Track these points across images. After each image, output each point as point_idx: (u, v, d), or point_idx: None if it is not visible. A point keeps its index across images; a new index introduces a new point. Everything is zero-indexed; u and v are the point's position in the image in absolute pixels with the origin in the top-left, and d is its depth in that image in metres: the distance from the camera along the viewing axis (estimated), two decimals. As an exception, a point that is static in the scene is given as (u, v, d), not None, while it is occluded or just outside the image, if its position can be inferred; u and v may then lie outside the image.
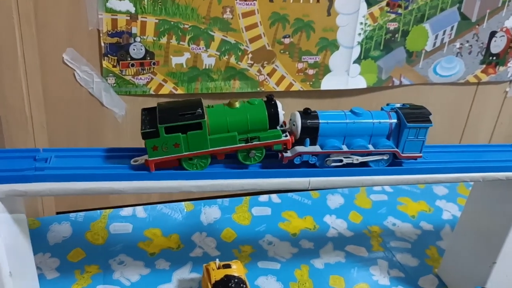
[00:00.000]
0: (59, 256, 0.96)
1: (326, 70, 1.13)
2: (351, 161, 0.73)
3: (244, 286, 0.84)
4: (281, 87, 1.12)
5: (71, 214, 1.08)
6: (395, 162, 0.75)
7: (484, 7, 1.18)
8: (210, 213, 1.14)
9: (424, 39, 1.18)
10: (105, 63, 0.98)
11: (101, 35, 0.95)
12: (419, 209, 1.22)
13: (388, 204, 1.23)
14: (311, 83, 1.13)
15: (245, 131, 0.68)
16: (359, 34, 1.11)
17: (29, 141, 0.96)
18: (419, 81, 1.23)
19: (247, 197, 1.20)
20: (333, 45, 1.11)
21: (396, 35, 1.15)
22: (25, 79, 0.92)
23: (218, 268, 0.87)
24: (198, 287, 0.92)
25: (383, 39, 1.14)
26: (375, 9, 1.10)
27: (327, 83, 1.15)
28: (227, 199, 1.19)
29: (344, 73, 1.15)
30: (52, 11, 0.91)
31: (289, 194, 1.23)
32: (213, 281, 0.84)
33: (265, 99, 0.70)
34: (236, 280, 0.84)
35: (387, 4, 1.10)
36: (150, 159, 0.67)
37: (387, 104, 0.77)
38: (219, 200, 1.18)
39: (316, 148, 0.71)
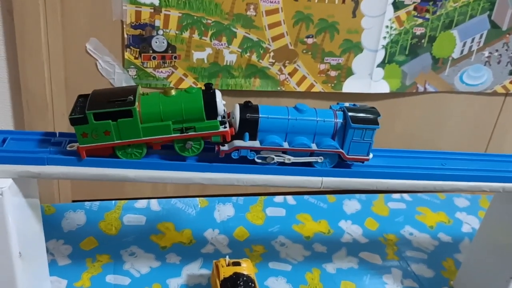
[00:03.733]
0: (72, 243, 0.97)
1: (349, 72, 1.12)
2: (282, 160, 0.70)
3: (253, 285, 0.83)
4: (302, 88, 1.11)
5: (86, 203, 1.08)
6: (342, 164, 0.73)
7: (516, 16, 1.15)
8: (224, 210, 1.13)
9: (452, 45, 1.15)
10: (127, 55, 0.99)
11: (124, 26, 0.96)
12: (438, 220, 1.19)
13: (406, 212, 1.20)
14: (332, 85, 1.12)
15: (180, 121, 0.66)
16: (384, 37, 1.09)
17: (49, 128, 0.98)
18: (445, 89, 1.20)
19: (262, 197, 1.19)
20: (357, 48, 1.09)
21: (423, 40, 1.12)
22: (48, 66, 0.93)
23: (228, 265, 0.86)
24: (207, 283, 0.91)
25: (408, 44, 1.12)
26: (402, 13, 1.08)
27: (349, 86, 1.13)
28: (242, 198, 1.18)
29: (367, 76, 1.13)
30: (78, 0, 0.92)
31: (305, 196, 1.21)
32: (221, 277, 0.83)
33: (203, 88, 0.68)
34: (245, 278, 0.83)
35: (415, 9, 1.08)
36: (80, 146, 0.66)
37: (337, 103, 0.74)
38: (234, 198, 1.17)
39: (255, 144, 0.69)
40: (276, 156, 0.70)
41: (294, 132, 0.70)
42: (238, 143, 0.69)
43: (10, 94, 0.97)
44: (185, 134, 0.66)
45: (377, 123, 0.70)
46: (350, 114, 0.70)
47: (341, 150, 0.71)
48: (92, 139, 0.65)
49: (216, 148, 0.69)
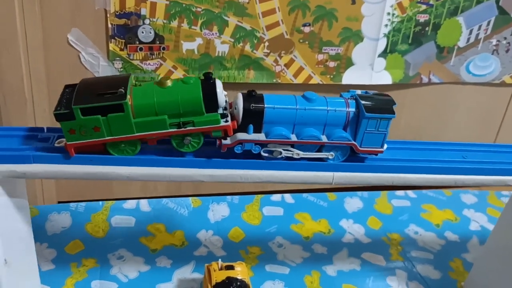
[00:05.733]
0: (56, 247, 0.93)
1: (349, 63, 1.06)
2: (290, 155, 0.65)
3: (247, 290, 0.78)
4: (299, 80, 1.05)
5: (72, 204, 1.04)
6: (354, 158, 0.68)
7: (525, 1, 1.09)
8: (218, 210, 1.08)
9: (457, 33, 1.09)
10: (112, 46, 0.93)
11: (108, 15, 0.91)
12: (445, 218, 1.14)
13: (411, 210, 1.15)
14: (331, 76, 1.07)
15: (177, 115, 0.61)
16: (386, 25, 1.04)
17: (29, 124, 0.92)
18: (450, 79, 1.15)
19: (259, 195, 1.14)
20: (357, 36, 1.03)
21: (427, 28, 1.07)
22: (26, 59, 0.88)
23: (221, 269, 0.82)
24: (199, 288, 0.87)
25: (412, 32, 1.06)
26: (405, -2, 1.02)
27: (349, 77, 1.07)
28: (237, 197, 1.13)
29: (368, 67, 1.08)
30: (57, -13, 0.87)
31: (304, 194, 1.16)
32: (213, 282, 0.79)
33: (202, 77, 0.62)
34: (238, 283, 0.79)
35: (418, -6, 1.03)
36: (68, 143, 0.61)
37: (348, 91, 0.68)
38: (229, 197, 1.13)
39: (260, 136, 0.64)
40: (284, 150, 0.65)
41: (303, 123, 0.65)
42: (241, 136, 0.63)
43: (-14, 89, 0.92)
44: (182, 129, 0.61)
45: (393, 112, 0.65)
46: (363, 102, 0.65)
47: (353, 142, 0.66)
48: (80, 135, 0.60)
49: (218, 142, 0.64)
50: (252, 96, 0.64)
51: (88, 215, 1.01)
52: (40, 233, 0.95)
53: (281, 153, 0.65)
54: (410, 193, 1.22)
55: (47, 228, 0.97)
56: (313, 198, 1.16)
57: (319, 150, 0.67)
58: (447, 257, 1.01)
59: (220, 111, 0.62)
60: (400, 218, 1.12)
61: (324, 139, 0.65)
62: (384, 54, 1.07)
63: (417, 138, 1.19)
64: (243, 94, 0.64)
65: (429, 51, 1.10)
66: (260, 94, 0.64)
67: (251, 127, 0.64)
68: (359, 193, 1.19)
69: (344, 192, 1.19)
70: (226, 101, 0.63)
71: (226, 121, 0.62)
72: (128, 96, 0.59)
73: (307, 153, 0.66)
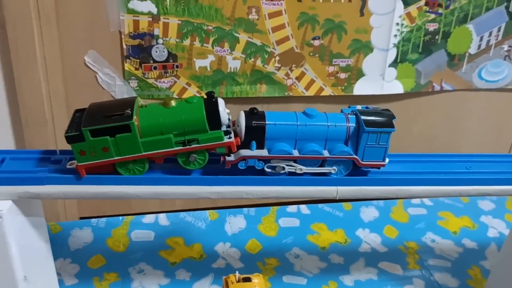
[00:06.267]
0: (79, 262, 0.95)
1: (359, 74, 1.07)
2: (293, 170, 0.66)
3: (265, 301, 0.79)
4: (311, 92, 1.07)
5: (93, 220, 1.06)
6: (357, 172, 0.68)
7: (536, 6, 1.09)
8: (235, 222, 1.10)
9: (468, 41, 1.09)
10: (127, 66, 0.96)
11: (122, 36, 0.94)
12: (462, 225, 1.13)
13: (427, 218, 1.15)
14: (343, 87, 1.08)
15: (182, 133, 0.63)
16: (395, 35, 1.04)
17: (50, 145, 0.96)
18: (462, 86, 1.15)
19: (275, 207, 1.15)
20: (367, 48, 1.04)
21: (436, 37, 1.07)
22: (46, 82, 0.91)
23: (238, 281, 0.81)
24: (217, 300, 0.88)
25: (421, 41, 1.07)
26: (413, 8, 1.03)
27: (360, 88, 1.08)
28: (253, 209, 1.14)
29: (379, 77, 1.08)
30: (74, 11, 0.90)
31: (320, 205, 1.17)
32: (231, 294, 0.79)
33: (205, 96, 0.64)
34: (255, 295, 0.79)
35: (426, 4, 1.03)
36: (79, 164, 0.63)
37: (348, 106, 0.70)
38: (245, 209, 1.14)
39: (263, 152, 0.65)
40: (286, 165, 0.66)
41: (304, 138, 0.66)
42: (244, 152, 0.65)
43: (9, 112, 0.96)
44: (187, 147, 0.63)
45: (393, 126, 0.66)
46: (363, 117, 0.66)
47: (355, 156, 0.67)
48: (90, 156, 0.62)
49: (222, 159, 0.66)
50: (253, 114, 0.65)
51: (109, 230, 1.04)
52: (63, 249, 0.98)
53: (284, 168, 0.66)
54: (426, 201, 1.21)
55: (70, 244, 0.99)
56: (328, 208, 1.16)
57: (321, 165, 0.68)
58: (465, 265, 1.00)
59: (224, 128, 0.64)
60: (416, 227, 1.12)
61: (325, 153, 0.66)
62: (394, 64, 1.08)
63: (431, 147, 1.19)
64: (245, 112, 0.66)
65: (440, 59, 1.10)
66: (262, 111, 0.66)
67: (254, 143, 0.65)
68: (374, 202, 1.19)
69: (359, 201, 1.19)
70: (229, 118, 0.65)
71: (230, 137, 0.64)
72: (135, 117, 0.61)
73: (310, 168, 0.67)
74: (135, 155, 0.63)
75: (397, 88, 1.10)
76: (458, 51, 1.10)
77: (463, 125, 1.20)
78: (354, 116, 0.67)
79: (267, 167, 0.66)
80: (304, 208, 1.16)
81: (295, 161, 0.67)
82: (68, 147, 0.63)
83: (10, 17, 0.85)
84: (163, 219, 1.09)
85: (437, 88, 1.13)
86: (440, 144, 1.20)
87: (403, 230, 1.10)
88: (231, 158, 0.65)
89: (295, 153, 0.66)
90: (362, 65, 1.06)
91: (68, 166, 0.67)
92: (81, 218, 1.10)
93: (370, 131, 0.65)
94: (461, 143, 1.21)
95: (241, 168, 0.66)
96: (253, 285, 0.81)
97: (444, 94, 1.15)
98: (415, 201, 1.21)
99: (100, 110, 0.63)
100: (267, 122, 0.65)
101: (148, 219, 1.09)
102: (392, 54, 1.06)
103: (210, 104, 0.63)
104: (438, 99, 1.15)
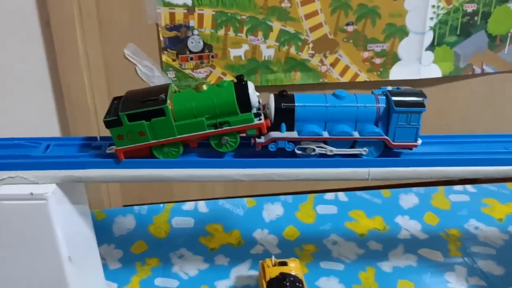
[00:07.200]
0: (122, 247, 0.99)
1: (395, 58, 1.06)
2: (324, 152, 0.66)
3: (301, 285, 0.79)
4: (346, 78, 1.06)
5: (135, 207, 1.10)
6: (389, 153, 0.68)
7: None
8: (273, 210, 1.10)
9: (510, 20, 1.06)
10: (164, 57, 0.99)
11: (159, 29, 0.97)
12: (508, 212, 1.09)
13: (470, 205, 1.11)
14: (378, 73, 1.07)
15: (214, 116, 0.64)
16: (431, 18, 1.02)
17: (93, 132, 0.99)
18: (505, 68, 1.11)
19: (312, 194, 1.15)
20: (402, 31, 1.03)
21: (476, 18, 1.04)
22: (88, 74, 0.96)
23: (274, 265, 0.84)
24: (255, 285, 0.89)
25: (459, 23, 1.04)
26: (449, -11, 1.01)
27: (396, 73, 1.07)
28: (290, 196, 1.14)
29: (415, 61, 1.07)
30: (113, 6, 0.94)
31: (358, 192, 1.16)
32: (267, 278, 0.81)
33: (235, 80, 0.65)
34: (291, 278, 0.80)
35: (464, -16, 1.01)
36: (117, 148, 0.66)
37: (379, 88, 0.69)
38: (282, 197, 1.14)
39: (293, 134, 0.66)
40: (317, 147, 0.67)
41: (334, 120, 0.66)
42: (274, 134, 0.66)
43: (55, 102, 1.00)
44: (219, 129, 0.65)
45: (423, 106, 0.65)
46: (393, 98, 0.66)
47: (385, 137, 0.66)
48: (128, 140, 0.65)
49: (252, 141, 0.67)
50: (283, 96, 0.66)
51: (151, 217, 1.07)
52: (107, 235, 1.02)
53: (314, 150, 0.67)
54: (469, 187, 1.17)
55: (114, 230, 1.03)
56: (367, 195, 1.15)
57: (352, 147, 0.68)
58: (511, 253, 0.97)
59: (254, 111, 0.65)
60: (458, 214, 1.08)
61: (356, 135, 0.66)
62: (431, 47, 1.06)
63: (470, 131, 1.15)
64: (274, 94, 0.67)
65: (480, 41, 1.07)
66: (291, 94, 0.67)
67: (283, 125, 0.66)
68: (414, 189, 1.16)
69: (398, 188, 1.17)
70: (259, 101, 0.67)
71: (260, 119, 0.65)
72: (169, 101, 0.64)
73: (341, 149, 0.67)
74: (170, 138, 0.65)
75: (435, 72, 1.08)
76: (499, 31, 1.07)
77: (505, 108, 1.16)
78: (384, 97, 0.67)
79: (298, 149, 0.67)
80: (342, 195, 1.15)
81: (325, 143, 0.67)
82: (108, 134, 0.66)
83: (55, 13, 0.90)
84: (202, 206, 1.11)
85: (478, 71, 1.10)
86: (479, 128, 1.17)
87: (445, 217, 1.07)
88: (261, 140, 0.67)
89: (325, 134, 0.66)
90: (398, 50, 1.05)
91: (107, 151, 0.70)
92: (124, 205, 1.14)
93: (400, 111, 0.65)
94: (501, 127, 1.17)
95: (271, 150, 0.67)
96: (289, 269, 0.83)
97: (485, 77, 1.12)
98: (457, 187, 1.17)
99: (136, 96, 0.67)
100: (296, 104, 0.66)
101: (188, 206, 1.11)
102: (428, 37, 1.04)
103: (240, 87, 0.65)
104: (479, 82, 1.12)
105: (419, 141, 0.68)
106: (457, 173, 0.69)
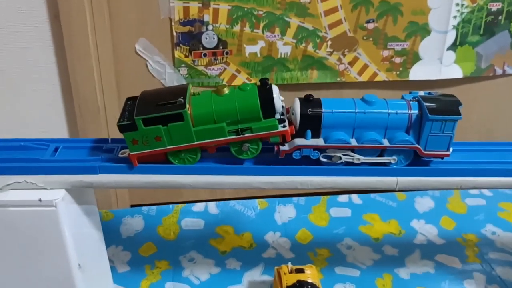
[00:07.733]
0: (131, 249, 0.96)
1: (416, 58, 1.02)
2: (350, 160, 0.63)
3: (318, 293, 0.77)
4: (364, 77, 1.03)
5: (143, 208, 1.07)
6: (418, 162, 0.65)
7: None
8: (285, 212, 1.08)
9: (534, 21, 1.03)
10: (177, 53, 0.96)
11: (173, 24, 0.93)
12: (525, 217, 1.07)
13: (487, 209, 1.09)
14: (398, 72, 1.03)
15: (235, 122, 0.61)
16: (455, 16, 0.99)
17: (102, 133, 0.97)
18: (527, 70, 1.08)
19: (325, 196, 1.13)
20: (424, 30, 1.00)
21: (500, 17, 1.01)
22: (98, 69, 0.92)
23: (291, 272, 0.81)
24: (269, 291, 0.87)
25: (483, 22, 1.01)
26: (475, -13, 0.97)
27: (416, 73, 1.04)
28: (303, 198, 1.12)
29: (436, 61, 1.03)
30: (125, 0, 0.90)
31: (372, 195, 1.13)
32: (284, 285, 0.78)
33: (259, 83, 0.61)
34: (309, 286, 0.78)
35: (489, -18, 0.97)
36: (131, 153, 0.62)
37: (410, 92, 0.66)
38: (295, 198, 1.12)
39: (318, 142, 0.63)
40: (343, 155, 0.63)
41: (363, 127, 0.63)
42: (299, 141, 0.63)
43: (63, 101, 0.97)
44: (241, 136, 0.62)
45: (459, 113, 0.62)
46: (426, 104, 0.62)
47: (417, 146, 0.63)
48: (143, 145, 0.62)
49: (276, 148, 0.64)
50: (309, 101, 0.63)
51: (160, 218, 1.04)
52: (115, 236, 0.99)
53: (340, 158, 0.64)
54: (486, 191, 1.15)
55: (121, 232, 1.00)
56: (381, 198, 1.12)
57: (380, 155, 0.65)
58: (530, 259, 0.95)
59: (277, 116, 0.62)
60: (475, 218, 1.06)
61: (385, 143, 0.63)
62: (453, 46, 1.02)
63: (489, 134, 1.13)
64: (300, 99, 0.63)
65: (502, 41, 1.04)
66: (318, 98, 0.63)
67: (309, 132, 0.63)
68: (430, 192, 1.14)
69: (413, 191, 1.14)
70: (283, 106, 0.63)
71: (284, 126, 0.62)
72: (187, 105, 0.60)
73: (368, 157, 0.64)
74: (187, 144, 0.62)
75: (456, 72, 1.05)
76: (523, 32, 1.04)
77: (527, 111, 1.14)
78: (417, 103, 0.64)
79: (323, 157, 0.64)
80: (355, 198, 1.13)
81: (352, 151, 0.64)
82: (119, 135, 0.63)
83: (64, 7, 0.86)
84: (212, 207, 1.09)
85: (499, 72, 1.07)
86: (499, 131, 1.14)
87: (461, 222, 1.05)
88: (285, 147, 0.63)
89: (353, 142, 0.63)
90: (419, 49, 1.02)
91: (120, 155, 0.67)
92: (131, 206, 1.11)
93: (434, 119, 0.62)
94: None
95: (295, 158, 0.64)
96: (306, 276, 0.80)
97: (506, 78, 1.09)
98: (473, 191, 1.15)
99: (152, 98, 0.63)
100: (323, 110, 0.62)
101: (198, 207, 1.08)
102: (451, 37, 1.01)
103: (264, 91, 0.61)
104: (500, 84, 1.09)
105: (451, 150, 0.65)
106: (490, 184, 0.66)
